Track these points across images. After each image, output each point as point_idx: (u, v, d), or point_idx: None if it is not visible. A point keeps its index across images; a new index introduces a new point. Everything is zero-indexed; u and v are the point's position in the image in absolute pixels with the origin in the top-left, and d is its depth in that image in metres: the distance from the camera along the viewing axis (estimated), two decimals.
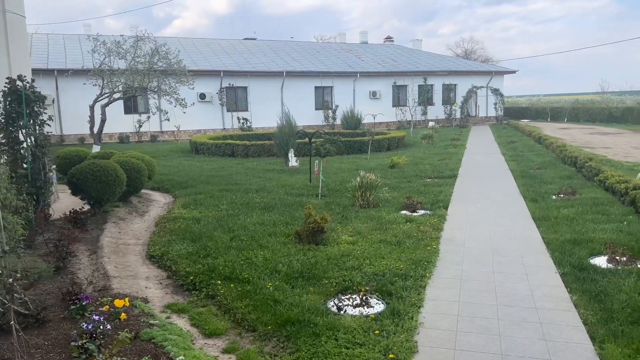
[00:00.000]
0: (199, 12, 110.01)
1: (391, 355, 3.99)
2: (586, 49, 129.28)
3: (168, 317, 4.96)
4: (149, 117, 26.55)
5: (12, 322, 3.60)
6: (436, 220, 8.34)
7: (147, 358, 3.88)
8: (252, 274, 5.80)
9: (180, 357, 3.88)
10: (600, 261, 6.19)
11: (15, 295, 4.14)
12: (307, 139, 14.59)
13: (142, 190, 11.29)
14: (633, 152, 18.24)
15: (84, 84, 21.24)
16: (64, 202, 10.02)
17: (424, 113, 35.37)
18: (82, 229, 7.77)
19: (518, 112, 43.08)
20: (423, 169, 14.37)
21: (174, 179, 13.11)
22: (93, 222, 8.43)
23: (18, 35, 9.75)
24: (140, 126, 27.05)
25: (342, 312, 4.89)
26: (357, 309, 4.95)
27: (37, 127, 7.84)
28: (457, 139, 23.97)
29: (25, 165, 7.56)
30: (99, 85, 20.56)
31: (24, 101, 7.47)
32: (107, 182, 8.62)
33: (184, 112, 22.29)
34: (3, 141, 7.39)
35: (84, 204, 8.98)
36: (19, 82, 7.43)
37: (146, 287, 5.88)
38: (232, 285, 5.52)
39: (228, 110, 30.11)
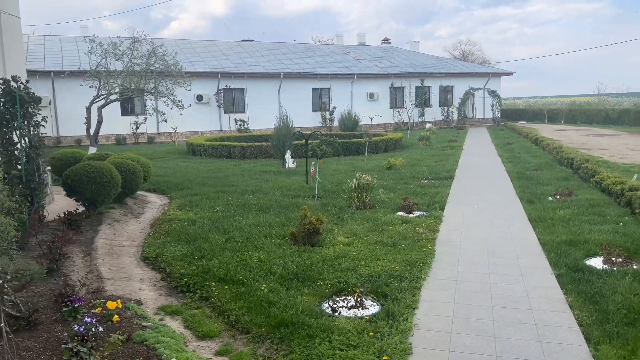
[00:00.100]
0: (197, 14, 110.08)
1: (385, 357, 3.96)
2: (583, 50, 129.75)
3: (161, 319, 4.93)
4: (145, 118, 26.47)
5: (2, 324, 3.56)
6: (432, 222, 8.32)
7: None
8: (246, 276, 5.77)
9: None
10: (596, 262, 6.18)
11: (5, 297, 4.11)
12: (303, 141, 14.58)
13: (138, 192, 11.26)
14: (629, 154, 18.28)
15: (81, 85, 21.20)
16: (59, 203, 9.97)
17: (421, 115, 35.40)
18: (77, 230, 7.73)
19: (515, 113, 43.16)
20: (420, 171, 14.36)
21: (170, 181, 13.06)
22: (88, 223, 8.39)
23: (13, 36, 9.71)
24: (137, 128, 27.00)
25: (336, 313, 4.86)
26: (352, 310, 4.92)
27: (32, 128, 7.80)
28: (454, 141, 23.97)
29: (19, 167, 7.51)
30: (96, 87, 20.52)
31: (18, 102, 7.43)
32: (102, 183, 8.57)
33: (181, 114, 22.26)
34: None
35: (79, 205, 8.93)
36: (13, 83, 7.39)
37: (140, 289, 5.85)
38: (226, 287, 5.49)
39: (225, 112, 30.08)
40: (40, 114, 8.01)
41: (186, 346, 4.37)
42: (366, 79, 33.98)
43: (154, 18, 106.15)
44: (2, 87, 7.33)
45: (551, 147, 17.54)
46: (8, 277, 4.15)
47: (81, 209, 8.82)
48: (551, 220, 8.26)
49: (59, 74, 24.45)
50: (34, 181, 7.77)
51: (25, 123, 7.67)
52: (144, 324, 4.54)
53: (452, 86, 37.11)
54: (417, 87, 35.32)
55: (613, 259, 6.10)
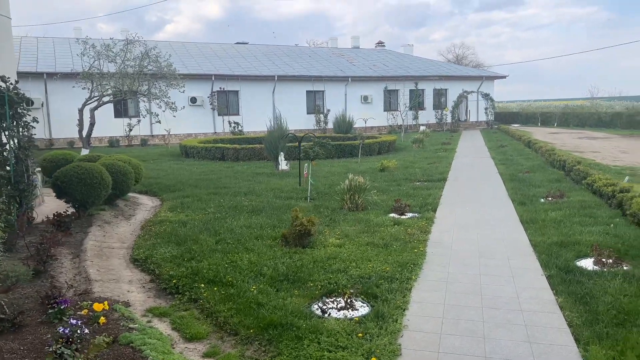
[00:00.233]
0: (192, 17, 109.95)
1: (373, 359, 3.93)
2: (575, 54, 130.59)
3: (149, 321, 4.88)
4: (139, 120, 26.42)
5: None
6: (424, 223, 8.31)
7: None
8: (236, 277, 5.72)
9: None
10: (587, 263, 6.18)
11: None
12: (297, 143, 14.54)
13: (130, 194, 11.19)
14: (621, 156, 18.37)
15: (73, 87, 21.09)
16: (49, 205, 9.89)
17: (415, 118, 35.47)
18: (66, 232, 7.66)
19: (509, 117, 43.34)
20: (413, 173, 14.36)
21: (162, 183, 13.00)
22: (78, 225, 8.32)
23: (3, 37, 9.64)
24: (131, 130, 26.90)
25: (326, 315, 4.83)
26: (342, 311, 4.88)
27: (21, 129, 7.74)
28: (448, 143, 24.03)
29: (7, 168, 7.44)
30: (88, 89, 20.44)
31: (7, 103, 7.36)
32: (92, 184, 8.51)
33: (174, 116, 22.19)
34: None
35: (69, 207, 8.86)
36: (1, 83, 7.33)
37: (128, 291, 5.79)
38: (215, 288, 5.44)
39: (219, 114, 30.01)
40: (29, 115, 7.95)
41: (173, 348, 4.33)
42: (360, 81, 34.02)
43: (149, 21, 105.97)
44: None
45: (544, 149, 17.60)
46: None
47: (71, 210, 8.75)
48: (543, 221, 8.26)
49: (51, 75, 24.34)
50: (23, 182, 7.71)
51: (14, 124, 7.61)
52: (131, 325, 4.48)
53: (446, 89, 37.23)
54: (411, 90, 35.41)
55: (603, 260, 6.10)
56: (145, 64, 20.32)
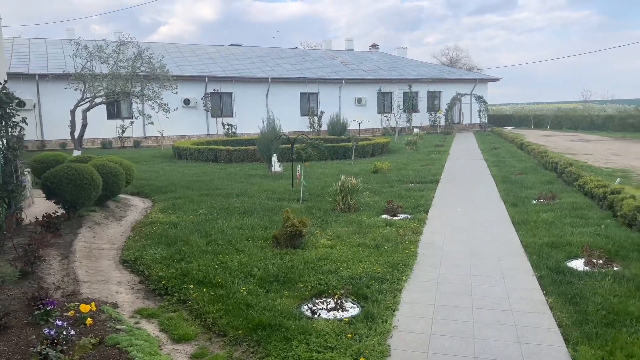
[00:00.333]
0: (186, 19, 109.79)
1: (362, 359, 3.91)
2: (568, 58, 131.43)
3: (137, 322, 4.83)
4: (132, 122, 26.27)
5: None
6: (416, 224, 8.30)
7: None
8: (226, 278, 5.68)
9: None
10: (577, 264, 6.19)
11: None
12: (290, 144, 14.52)
13: (121, 195, 11.12)
14: (613, 159, 18.47)
15: (65, 88, 20.98)
16: (39, 206, 9.80)
17: (409, 120, 35.55)
18: (55, 233, 7.58)
19: (502, 119, 43.52)
20: (406, 174, 14.37)
21: (154, 184, 12.92)
22: (67, 226, 8.24)
23: None
24: (123, 131, 26.67)
25: (316, 315, 4.79)
26: (332, 312, 4.86)
27: (10, 129, 7.66)
28: (441, 145, 24.08)
29: None
30: (81, 90, 20.33)
31: None
32: (82, 185, 8.44)
33: (167, 117, 22.12)
34: None
35: (59, 208, 8.78)
36: None
37: (117, 292, 5.74)
38: (204, 289, 5.40)
39: (213, 116, 29.95)
40: (19, 115, 7.87)
41: (161, 349, 4.28)
42: (354, 84, 34.07)
43: (143, 22, 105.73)
44: None
45: (536, 151, 17.67)
46: None
47: (61, 211, 8.67)
48: (534, 223, 8.28)
49: (43, 77, 24.21)
50: (12, 183, 7.62)
51: (3, 124, 7.53)
52: (118, 327, 4.43)
53: (440, 92, 37.35)
54: (404, 93, 35.49)
55: (594, 260, 6.10)
56: (138, 65, 20.25)
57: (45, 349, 3.71)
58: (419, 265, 6.32)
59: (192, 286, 5.51)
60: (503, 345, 4.23)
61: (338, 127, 27.41)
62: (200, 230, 7.97)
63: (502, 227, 8.23)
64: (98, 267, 6.65)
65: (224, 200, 10.54)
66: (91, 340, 4.02)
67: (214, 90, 29.91)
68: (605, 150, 22.00)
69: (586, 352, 4.02)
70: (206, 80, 29.47)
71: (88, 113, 20.70)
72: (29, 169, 10.72)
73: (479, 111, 37.82)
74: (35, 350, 3.74)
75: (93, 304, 4.64)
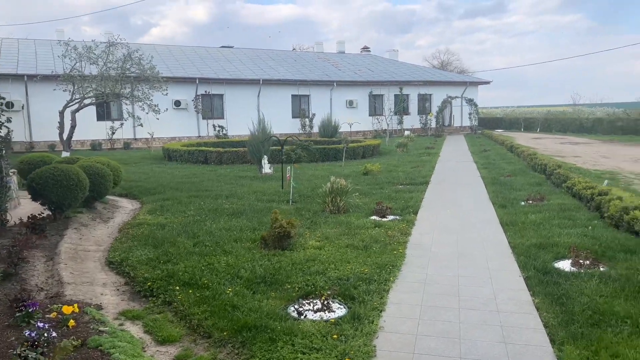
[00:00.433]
0: (178, 21, 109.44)
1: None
2: (558, 61, 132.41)
3: (121, 324, 4.77)
4: (122, 123, 26.07)
5: None
6: (404, 225, 8.29)
7: None
8: (212, 280, 5.64)
9: None
10: (564, 265, 6.21)
11: None
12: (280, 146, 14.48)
13: (109, 197, 11.03)
14: (601, 161, 18.62)
15: (54, 89, 20.79)
16: (25, 208, 9.69)
17: (400, 122, 35.62)
18: (41, 235, 7.49)
19: (492, 122, 43.76)
20: (396, 176, 14.39)
21: (142, 186, 12.83)
22: (53, 228, 8.15)
23: None
24: (113, 133, 26.58)
25: (302, 317, 4.76)
26: (318, 313, 4.83)
27: None
28: (432, 148, 24.15)
29: None
30: (69, 91, 20.16)
31: None
32: (68, 186, 8.34)
33: (157, 119, 21.98)
34: None
35: (44, 209, 8.69)
36: None
37: (102, 294, 5.67)
38: (190, 291, 5.35)
39: (204, 118, 29.82)
40: (4, 115, 7.78)
41: (144, 351, 4.23)
42: (346, 86, 34.11)
43: (134, 24, 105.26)
44: None
45: (525, 154, 17.77)
46: None
47: (47, 212, 8.57)
48: (522, 224, 8.30)
49: (32, 77, 23.96)
50: None
51: None
52: (101, 328, 4.38)
53: (430, 94, 37.49)
54: (395, 95, 35.57)
55: (581, 261, 6.13)
56: (128, 67, 20.12)
57: (25, 350, 3.64)
58: (406, 266, 6.31)
59: (177, 288, 5.46)
60: (489, 345, 4.22)
61: (329, 129, 27.42)
62: (187, 231, 7.91)
63: (490, 229, 8.25)
64: (83, 268, 6.57)
65: (213, 202, 10.48)
66: (73, 342, 3.96)
67: (205, 91, 29.80)
68: (594, 152, 22.18)
69: (571, 352, 4.02)
70: (197, 82, 29.36)
71: (77, 114, 20.53)
72: (14, 170, 10.61)
73: (470, 114, 37.99)
74: (14, 353, 3.67)
75: (76, 305, 4.58)
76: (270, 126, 17.05)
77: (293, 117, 32.47)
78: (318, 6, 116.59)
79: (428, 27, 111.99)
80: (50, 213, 8.61)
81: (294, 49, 43.47)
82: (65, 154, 18.06)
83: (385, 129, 33.72)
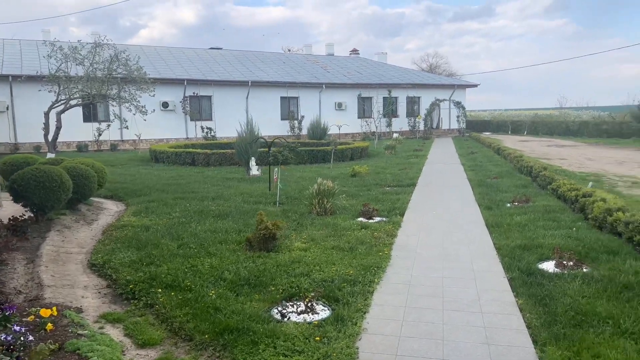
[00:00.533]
0: (167, 22, 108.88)
1: None
2: (545, 65, 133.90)
3: (101, 327, 4.69)
4: (109, 125, 25.87)
5: None
6: (391, 227, 8.29)
7: None
8: (195, 282, 5.58)
9: None
10: (548, 266, 6.23)
11: None
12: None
13: (94, 199, 10.90)
14: (587, 163, 18.81)
15: (39, 90, 20.55)
16: (7, 209, 9.53)
17: (389, 125, 35.73)
18: (22, 237, 7.35)
19: (480, 125, 44.08)
20: (383, 178, 14.40)
21: (128, 187, 12.70)
22: (35, 230, 8.02)
23: None
24: (100, 134, 26.32)
25: (285, 319, 4.73)
26: (302, 315, 4.79)
27: None
28: (420, 150, 24.24)
29: None
30: (55, 92, 19.94)
31: None
32: (51, 188, 8.22)
33: (144, 120, 21.85)
34: None
35: (26, 211, 8.55)
36: None
37: (83, 297, 5.58)
38: (172, 293, 5.28)
39: (192, 120, 29.66)
40: None
41: (124, 355, 4.16)
42: (335, 88, 34.13)
43: (123, 26, 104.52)
44: None
45: (512, 156, 17.90)
46: None
47: (29, 214, 8.44)
48: (508, 225, 8.34)
49: (17, 78, 23.65)
50: None
51: None
52: (80, 332, 4.30)
53: (419, 97, 37.66)
54: (384, 98, 35.69)
55: (564, 262, 6.16)
56: (115, 67, 19.96)
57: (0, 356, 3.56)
58: (392, 267, 6.30)
59: (160, 290, 5.39)
60: (472, 346, 4.21)
61: (318, 131, 27.41)
62: (172, 233, 7.83)
63: (476, 230, 8.27)
64: (65, 271, 6.47)
65: (199, 204, 10.40)
66: (50, 346, 3.89)
67: (193, 93, 29.65)
68: (580, 155, 22.41)
69: (553, 352, 4.02)
70: (185, 83, 29.20)
71: (63, 116, 20.31)
72: None
73: (458, 117, 38.21)
74: None
75: (54, 308, 4.49)
76: (258, 128, 17.00)
77: (282, 119, 32.42)
78: (307, 8, 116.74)
79: (417, 31, 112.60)
80: (32, 215, 8.47)
81: (289, 50, 43.30)
82: (50, 156, 17.84)
83: (374, 132, 33.81)
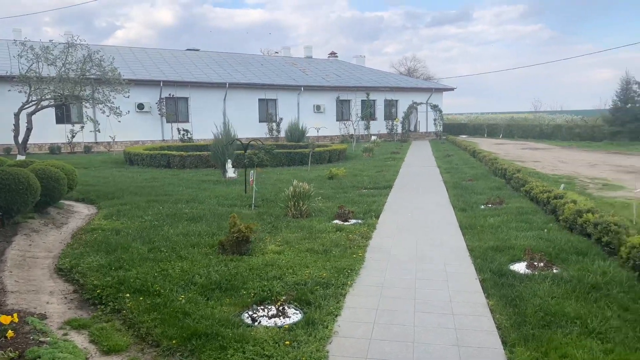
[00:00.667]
0: (144, 24, 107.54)
1: None
2: (520, 69, 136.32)
3: (65, 334, 4.55)
4: (82, 127, 25.38)
5: None
6: (366, 229, 8.28)
7: None
8: (164, 286, 5.46)
9: None
10: (520, 267, 6.29)
11: None
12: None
13: (65, 201, 10.63)
14: (560, 166, 19.17)
15: (9, 90, 20.04)
16: None
17: (367, 127, 35.89)
18: None
19: (457, 128, 44.63)
20: (360, 180, 14.43)
21: (100, 190, 12.45)
22: (1, 234, 7.78)
23: None
24: (73, 137, 25.80)
25: (256, 323, 4.66)
26: (273, 319, 4.73)
27: None
28: (397, 153, 24.39)
29: None
30: (25, 92, 19.48)
31: None
32: (17, 190, 7.98)
33: (119, 122, 21.48)
34: None
35: None
36: None
37: (48, 303, 5.41)
38: (141, 298, 5.16)
39: (168, 122, 29.30)
40: None
41: None
42: (313, 91, 34.14)
43: (99, 26, 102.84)
44: None
45: (487, 158, 18.12)
46: None
47: None
48: (481, 227, 8.41)
49: None
50: None
51: None
52: (42, 339, 4.16)
53: (397, 100, 37.94)
54: (362, 101, 35.84)
55: (535, 263, 6.23)
56: (88, 68, 19.59)
57: None
58: (365, 269, 6.28)
59: (128, 295, 5.26)
60: (442, 349, 4.21)
61: (296, 133, 27.33)
62: (143, 237, 7.68)
63: (449, 232, 8.33)
64: (30, 276, 6.28)
65: (173, 207, 10.24)
66: (10, 354, 3.75)
67: (170, 95, 29.31)
68: (553, 157, 22.83)
69: (522, 353, 4.05)
70: (161, 85, 28.85)
71: (35, 117, 19.85)
72: None
73: (435, 120, 38.62)
74: None
75: (15, 315, 4.34)
76: (234, 130, 16.87)
77: (260, 121, 32.29)
78: (286, 11, 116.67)
79: (395, 35, 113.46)
80: None
81: (277, 53, 43.12)
82: (20, 158, 17.39)
83: (353, 134, 33.91)
